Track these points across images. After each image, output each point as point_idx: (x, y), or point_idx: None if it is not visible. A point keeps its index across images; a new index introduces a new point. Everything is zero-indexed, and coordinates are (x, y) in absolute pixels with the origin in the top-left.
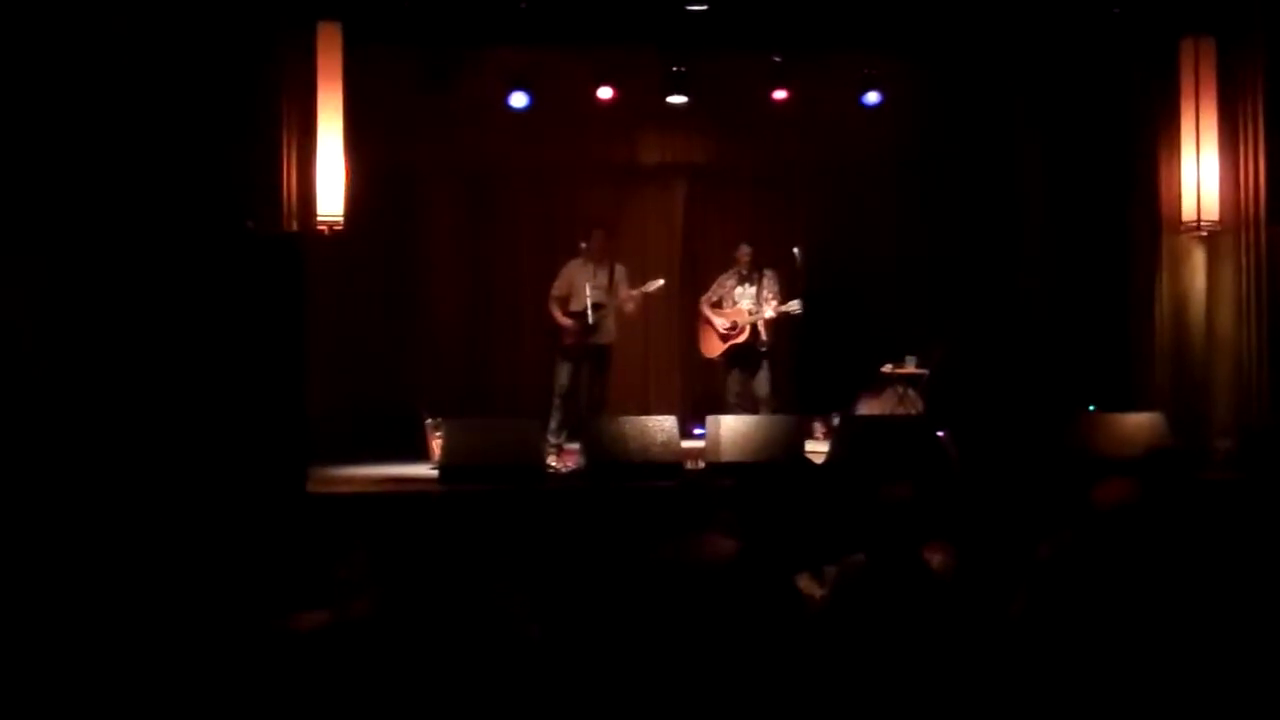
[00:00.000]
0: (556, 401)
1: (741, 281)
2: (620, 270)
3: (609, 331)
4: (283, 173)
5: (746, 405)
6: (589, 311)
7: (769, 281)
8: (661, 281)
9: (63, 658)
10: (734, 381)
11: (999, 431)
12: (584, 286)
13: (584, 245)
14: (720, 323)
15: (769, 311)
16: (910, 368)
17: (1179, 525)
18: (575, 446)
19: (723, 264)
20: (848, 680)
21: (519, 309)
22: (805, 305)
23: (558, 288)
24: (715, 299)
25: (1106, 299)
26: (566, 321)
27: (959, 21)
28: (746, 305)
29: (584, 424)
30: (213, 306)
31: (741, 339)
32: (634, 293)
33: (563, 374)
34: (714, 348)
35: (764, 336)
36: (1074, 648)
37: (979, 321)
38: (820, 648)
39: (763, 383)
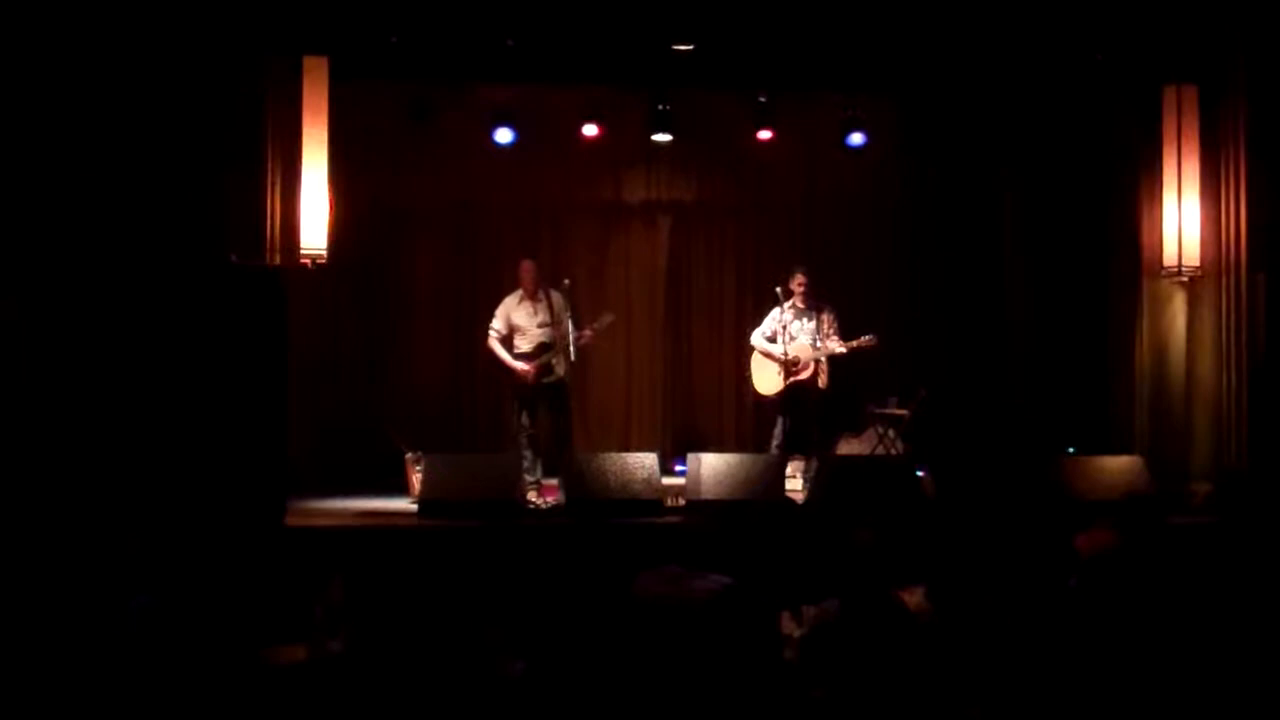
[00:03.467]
0: (524, 442)
1: (799, 315)
2: (558, 299)
3: (560, 368)
4: (266, 206)
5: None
6: (538, 353)
7: (828, 315)
8: (612, 317)
9: (36, 689)
10: (786, 422)
11: (979, 473)
12: (528, 327)
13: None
14: (781, 355)
15: (837, 346)
16: (891, 408)
17: (1155, 569)
18: (555, 482)
19: (708, 301)
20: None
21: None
22: (877, 337)
23: (497, 328)
24: (770, 333)
25: (1087, 342)
26: (518, 365)
27: (943, 65)
28: (805, 340)
29: (563, 460)
30: (195, 338)
31: (805, 375)
32: (586, 331)
33: (523, 417)
34: (772, 384)
35: (825, 374)
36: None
37: (961, 362)
38: (797, 689)
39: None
